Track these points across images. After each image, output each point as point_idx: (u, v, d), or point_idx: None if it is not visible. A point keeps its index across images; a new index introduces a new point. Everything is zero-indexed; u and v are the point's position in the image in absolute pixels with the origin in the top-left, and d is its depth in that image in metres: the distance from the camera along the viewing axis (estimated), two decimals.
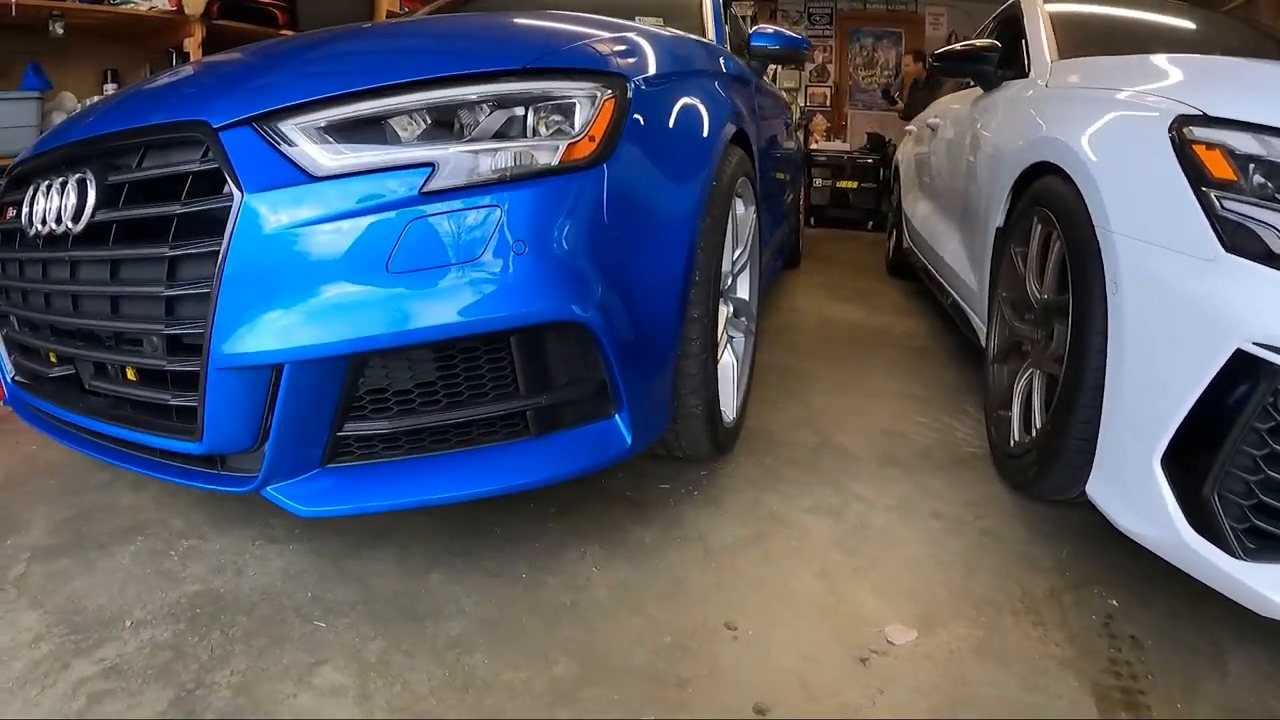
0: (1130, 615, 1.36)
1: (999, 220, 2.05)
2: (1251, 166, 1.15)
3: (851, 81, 8.45)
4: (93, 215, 1.26)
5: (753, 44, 2.57)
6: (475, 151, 1.14)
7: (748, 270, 2.07)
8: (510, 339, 1.19)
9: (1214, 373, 1.08)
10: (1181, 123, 1.25)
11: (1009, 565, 1.51)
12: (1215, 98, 1.27)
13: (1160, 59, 1.66)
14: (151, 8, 3.26)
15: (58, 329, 1.41)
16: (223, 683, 1.13)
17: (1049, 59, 2.23)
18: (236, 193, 1.10)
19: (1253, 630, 1.29)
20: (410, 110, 1.17)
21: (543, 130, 1.21)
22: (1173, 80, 1.46)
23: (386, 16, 4.71)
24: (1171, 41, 2.68)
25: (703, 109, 1.65)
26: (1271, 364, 1.03)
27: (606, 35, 1.47)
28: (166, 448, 1.24)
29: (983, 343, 2.21)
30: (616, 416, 1.32)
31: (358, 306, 1.10)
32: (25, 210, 1.39)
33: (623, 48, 1.46)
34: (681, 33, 1.95)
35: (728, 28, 2.58)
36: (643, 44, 1.54)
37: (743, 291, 2.06)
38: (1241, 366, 1.06)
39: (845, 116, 8.41)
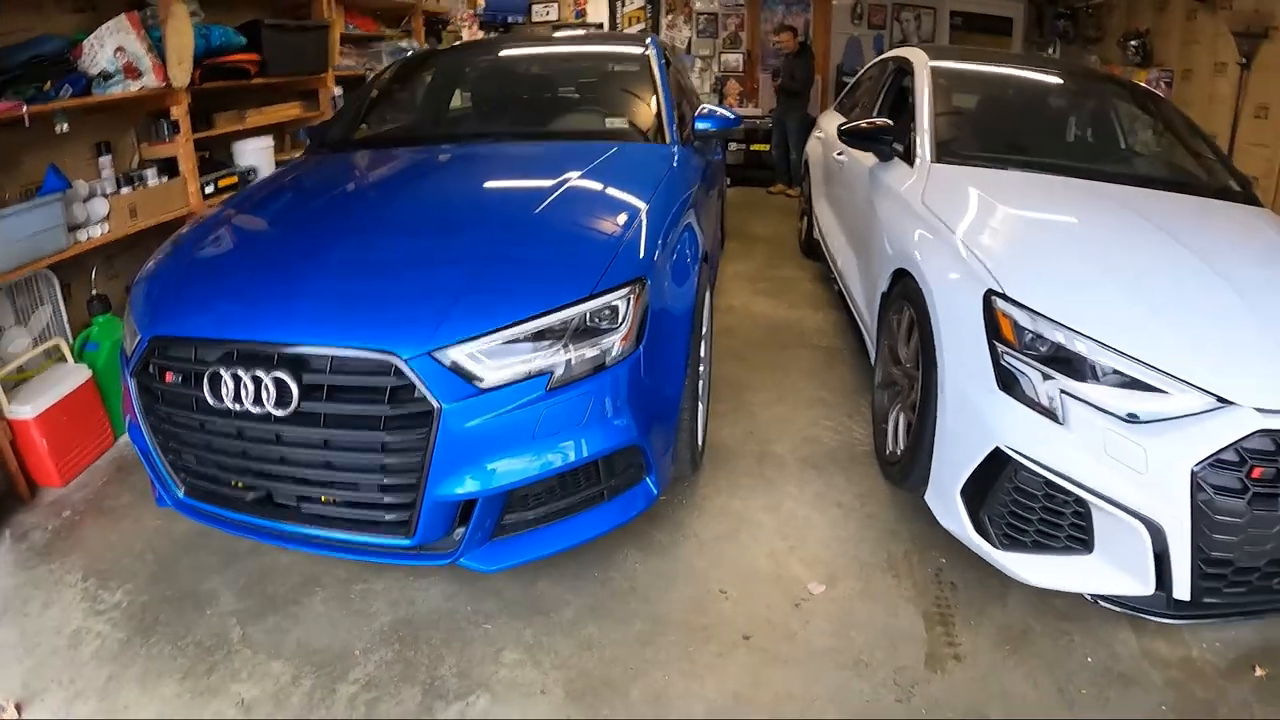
0: (952, 569, 2.34)
1: (884, 287, 2.91)
2: (1025, 335, 2.04)
3: (763, 48, 9.16)
4: (298, 406, 1.84)
5: (696, 127, 3.27)
6: (571, 360, 1.92)
7: (706, 320, 2.87)
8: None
9: (985, 455, 2.02)
10: (990, 293, 2.12)
11: (882, 539, 2.47)
12: (1015, 280, 2.10)
13: (999, 217, 2.49)
14: (141, 88, 3.45)
15: (251, 470, 1.99)
16: (449, 674, 1.96)
17: (929, 160, 3.02)
18: (434, 403, 1.80)
19: (1016, 586, 2.25)
20: (530, 334, 1.90)
21: (602, 324, 1.98)
22: (997, 253, 2.27)
23: (341, 43, 5.19)
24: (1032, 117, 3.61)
25: (691, 264, 2.46)
26: (1013, 458, 1.98)
27: (631, 226, 2.24)
28: (379, 544, 1.98)
29: (872, 361, 3.10)
30: (647, 479, 2.18)
31: (523, 460, 1.90)
32: (208, 391, 1.90)
33: (643, 231, 2.24)
34: (659, 158, 2.73)
35: (676, 113, 3.28)
36: (646, 213, 2.33)
37: (704, 339, 2.85)
38: (999, 455, 2.00)
39: (757, 80, 9.15)
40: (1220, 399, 1.84)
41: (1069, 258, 2.28)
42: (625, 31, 7.07)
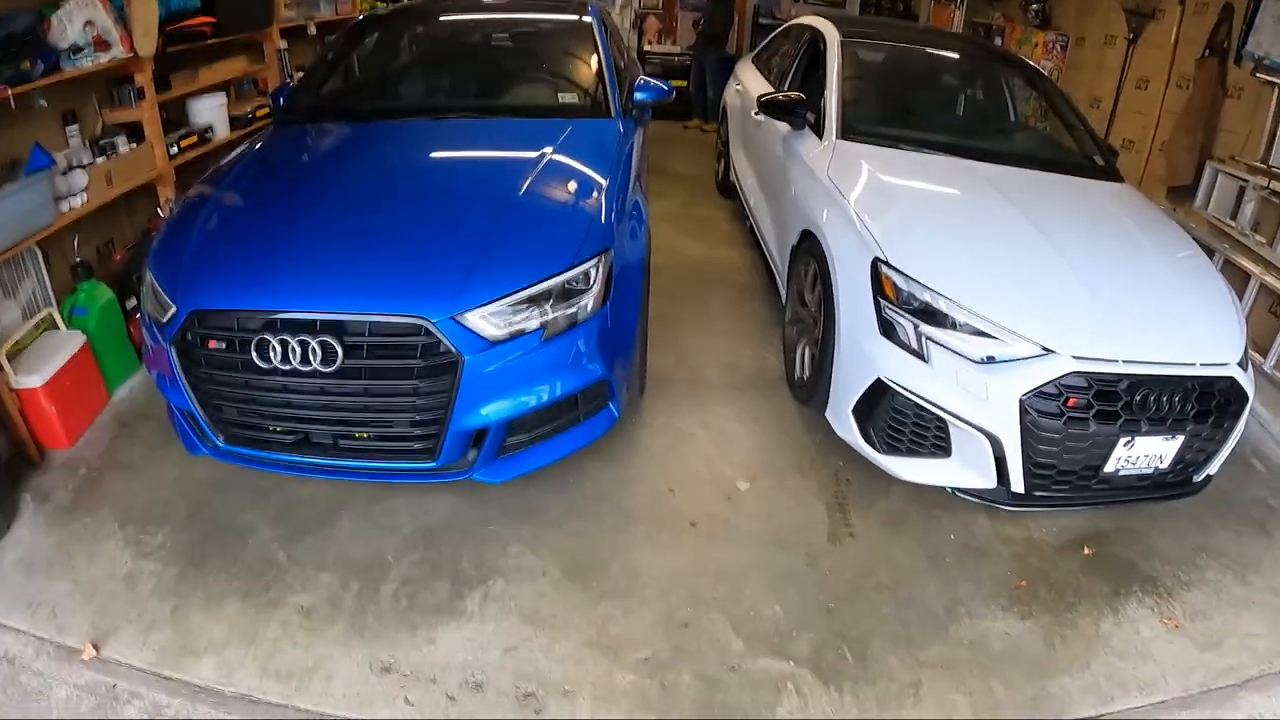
0: (848, 470, 3.03)
1: (794, 242, 3.51)
2: (902, 294, 2.67)
3: None
4: (342, 363, 2.29)
5: (635, 98, 3.78)
6: (557, 318, 2.46)
7: None
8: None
9: (870, 383, 2.69)
10: (877, 261, 2.74)
11: (793, 446, 3.15)
12: (896, 251, 2.72)
13: (889, 194, 3.09)
14: (111, 60, 3.56)
15: (293, 418, 2.43)
16: (468, 566, 2.50)
17: (835, 136, 3.57)
18: (458, 355, 2.30)
19: (897, 484, 2.90)
20: (526, 299, 2.42)
21: (578, 287, 2.52)
22: (884, 227, 2.85)
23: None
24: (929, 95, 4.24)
25: (639, 226, 3.00)
26: (890, 386, 2.64)
27: (595, 201, 2.77)
28: (407, 467, 2.51)
29: (783, 299, 3.72)
30: (610, 405, 2.76)
31: (521, 396, 2.45)
32: (256, 354, 2.32)
33: (605, 204, 2.77)
34: (610, 134, 3.26)
35: (619, 85, 3.77)
36: (605, 189, 2.85)
37: None
38: (880, 383, 2.67)
39: (675, 17, 9.50)
40: (1045, 348, 2.50)
41: (940, 231, 2.90)
42: None
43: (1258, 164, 4.15)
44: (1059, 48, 6.72)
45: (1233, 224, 4.32)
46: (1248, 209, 4.22)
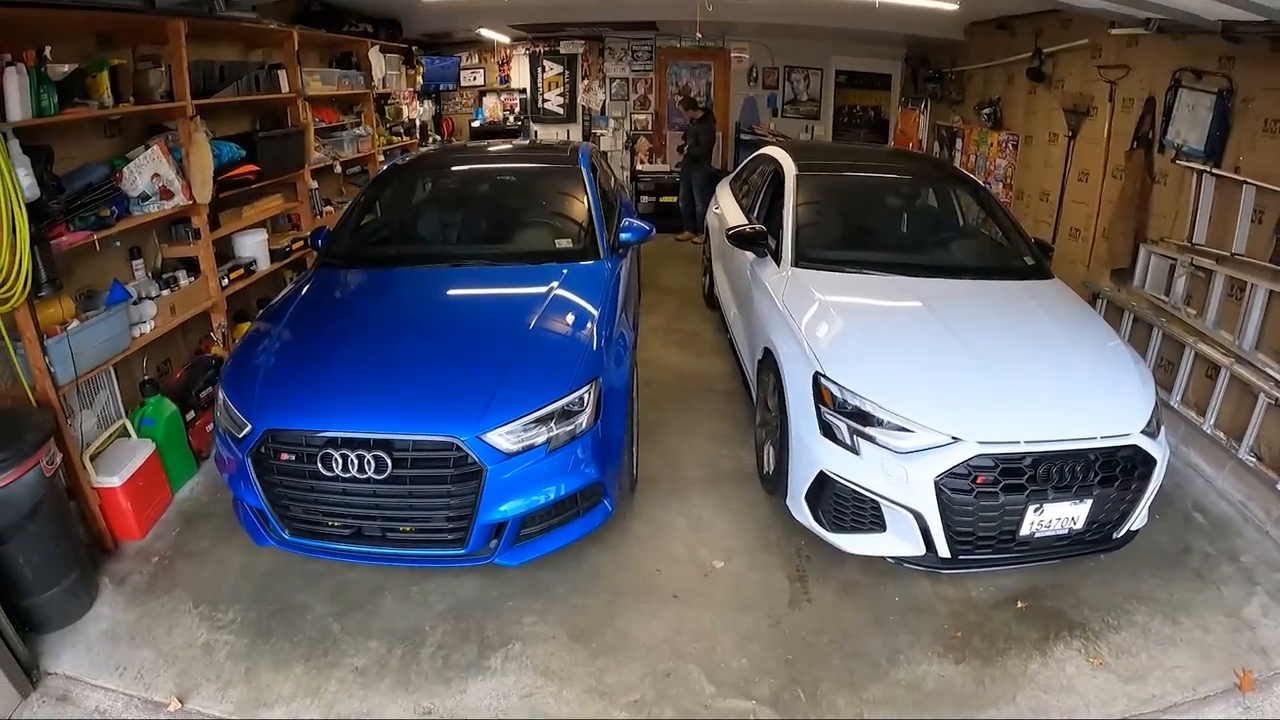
0: (809, 548, 3.63)
1: (759, 356, 4.21)
2: (837, 400, 3.33)
3: (669, 108, 10.56)
4: (391, 471, 2.95)
5: (621, 238, 4.58)
6: (560, 432, 3.13)
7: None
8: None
9: (814, 475, 3.35)
10: (817, 374, 3.42)
11: (761, 529, 3.78)
12: (831, 365, 3.38)
13: (829, 315, 3.76)
14: (174, 207, 4.29)
15: (349, 515, 3.05)
16: (491, 633, 3.11)
17: (789, 264, 4.30)
18: (482, 465, 2.99)
19: (851, 557, 3.50)
20: (534, 420, 3.10)
21: (574, 409, 3.19)
22: (824, 345, 3.54)
23: (314, 138, 6.22)
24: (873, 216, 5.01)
25: (623, 352, 3.70)
26: (831, 476, 3.29)
27: (588, 333, 3.48)
28: (441, 554, 3.14)
29: (754, 405, 4.39)
30: (605, 501, 3.41)
31: (533, 496, 3.09)
32: (321, 465, 2.96)
33: (595, 337, 3.47)
34: (599, 275, 4.00)
35: (607, 227, 4.54)
36: (596, 322, 3.57)
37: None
38: (823, 475, 3.32)
39: (664, 137, 10.52)
40: (953, 436, 3.14)
41: (870, 345, 3.58)
42: (559, 144, 7.91)
43: (1184, 243, 4.75)
44: (1011, 146, 7.30)
45: (1166, 299, 4.94)
46: (1179, 284, 4.82)
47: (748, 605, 3.30)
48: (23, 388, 3.33)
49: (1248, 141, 4.38)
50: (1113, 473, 3.13)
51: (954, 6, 6.34)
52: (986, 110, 7.66)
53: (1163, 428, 3.40)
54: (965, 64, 8.40)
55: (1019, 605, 3.33)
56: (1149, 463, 3.19)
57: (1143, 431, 3.20)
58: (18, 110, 3.29)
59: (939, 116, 9.17)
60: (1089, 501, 3.11)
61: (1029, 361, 3.51)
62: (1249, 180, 4.28)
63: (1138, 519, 3.31)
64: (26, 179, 3.14)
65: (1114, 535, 3.30)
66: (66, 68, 3.66)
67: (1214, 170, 4.55)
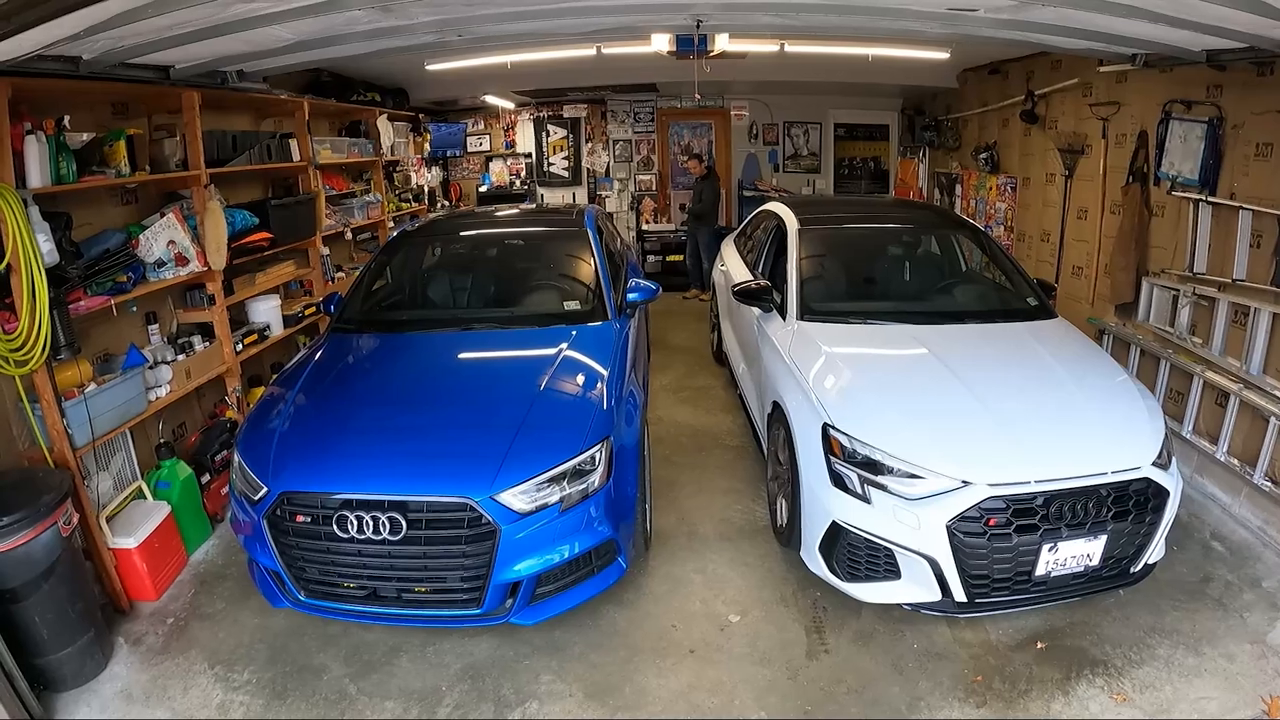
0: (825, 599, 3.69)
1: (768, 410, 4.32)
2: (846, 450, 3.44)
3: (672, 167, 10.88)
4: (406, 532, 3.06)
5: (628, 299, 4.73)
6: (571, 493, 3.23)
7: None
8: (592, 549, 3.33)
9: (827, 526, 3.42)
10: (826, 425, 3.53)
11: (776, 582, 3.84)
12: (840, 416, 3.50)
13: (835, 367, 3.89)
14: (189, 273, 4.43)
15: (364, 576, 3.13)
16: (508, 693, 3.18)
17: (795, 318, 4.44)
18: (496, 525, 3.09)
19: (867, 606, 3.59)
20: (546, 479, 3.20)
21: (586, 468, 3.30)
22: (831, 396, 3.66)
23: (325, 206, 6.44)
24: (875, 266, 5.14)
25: (634, 411, 3.82)
26: (843, 526, 3.38)
27: (598, 393, 3.60)
28: (457, 614, 3.21)
29: (765, 458, 4.49)
30: (619, 559, 3.49)
31: (547, 554, 3.18)
32: (336, 526, 3.05)
33: (605, 397, 3.59)
34: (607, 336, 4.13)
35: (614, 289, 4.69)
36: (606, 382, 3.69)
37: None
38: (836, 525, 3.41)
39: (668, 197, 10.81)
40: (963, 480, 3.22)
41: (877, 394, 3.68)
42: (565, 206, 8.23)
43: (1186, 273, 4.87)
44: (1009, 189, 7.50)
45: (1171, 330, 5.04)
46: (1183, 314, 4.94)
47: (765, 658, 3.35)
48: (41, 449, 3.47)
49: (1240, 167, 4.53)
50: (1126, 507, 3.19)
51: (945, 55, 6.57)
52: (983, 155, 7.88)
53: (1174, 459, 3.48)
54: (960, 110, 8.67)
55: (1039, 646, 3.36)
56: (1162, 494, 3.26)
57: (1154, 463, 3.28)
58: (37, 177, 3.46)
59: (937, 164, 9.41)
60: (1104, 537, 3.17)
61: (1035, 401, 3.60)
62: (1244, 205, 4.41)
63: (1154, 552, 3.37)
64: (46, 244, 3.30)
65: (1131, 570, 3.34)
66: (85, 136, 3.88)
67: (1209, 198, 4.69)
